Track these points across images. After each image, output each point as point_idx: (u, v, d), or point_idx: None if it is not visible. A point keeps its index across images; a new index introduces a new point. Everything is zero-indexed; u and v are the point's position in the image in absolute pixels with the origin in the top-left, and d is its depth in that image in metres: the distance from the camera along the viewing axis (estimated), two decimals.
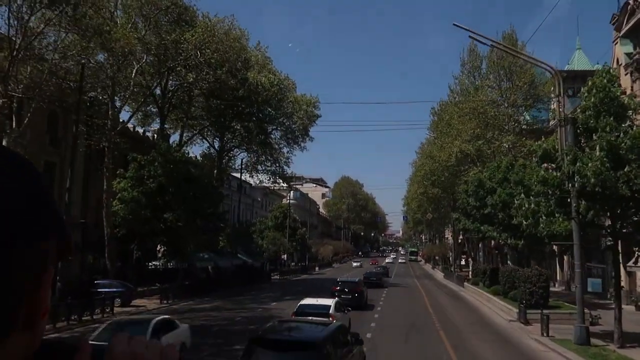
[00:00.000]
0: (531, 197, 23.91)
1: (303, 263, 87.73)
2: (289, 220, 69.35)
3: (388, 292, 42.88)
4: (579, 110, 21.30)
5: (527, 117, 42.68)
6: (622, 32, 33.89)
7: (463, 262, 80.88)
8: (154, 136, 42.49)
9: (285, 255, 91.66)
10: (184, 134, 46.02)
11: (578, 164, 20.06)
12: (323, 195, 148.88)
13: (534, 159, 40.14)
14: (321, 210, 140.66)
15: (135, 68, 34.90)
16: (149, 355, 0.79)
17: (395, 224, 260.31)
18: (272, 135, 51.82)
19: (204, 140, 52.13)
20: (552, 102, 43.67)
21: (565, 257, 46.79)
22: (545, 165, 24.05)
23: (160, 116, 40.49)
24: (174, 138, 50.60)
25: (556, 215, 22.37)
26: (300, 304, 20.17)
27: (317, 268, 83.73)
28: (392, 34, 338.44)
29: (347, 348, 12.00)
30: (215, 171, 50.38)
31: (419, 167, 58.95)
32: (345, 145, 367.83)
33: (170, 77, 37.94)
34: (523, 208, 23.93)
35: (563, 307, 29.07)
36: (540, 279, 28.28)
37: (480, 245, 53.61)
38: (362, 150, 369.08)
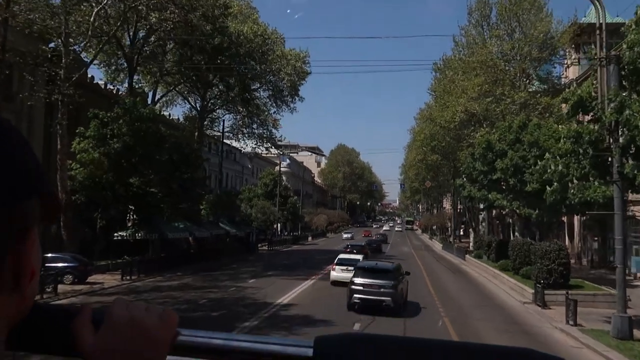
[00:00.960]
0: (557, 158, 19.46)
1: (295, 233, 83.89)
2: (279, 187, 64.98)
3: None
4: (625, 47, 16.70)
5: (540, 74, 37.96)
6: None
7: (461, 233, 77.01)
8: (122, 92, 37.72)
9: (279, 225, 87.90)
10: (158, 91, 41.26)
11: (626, 112, 15.54)
12: (318, 164, 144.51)
13: (551, 115, 35.76)
14: (316, 179, 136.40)
15: (95, 10, 29.99)
16: (148, 318, 0.78)
17: (392, 193, 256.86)
18: (257, 95, 47.11)
19: (185, 100, 47.40)
20: (568, 57, 38.98)
21: (576, 228, 42.69)
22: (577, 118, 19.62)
23: (129, 69, 35.65)
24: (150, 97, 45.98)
25: (591, 178, 17.95)
26: (338, 257, 28.16)
27: (310, 238, 79.78)
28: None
29: (402, 276, 21.47)
30: (196, 134, 45.79)
31: (418, 132, 54.37)
32: (342, 113, 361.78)
33: (139, 24, 32.93)
34: (549, 171, 19.52)
35: (585, 286, 24.92)
36: (560, 254, 24.03)
37: (483, 215, 49.42)
38: (359, 118, 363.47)
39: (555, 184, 19.91)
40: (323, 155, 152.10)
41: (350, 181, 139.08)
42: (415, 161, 71.79)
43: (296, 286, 25.43)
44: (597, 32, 17.73)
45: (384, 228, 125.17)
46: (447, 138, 49.95)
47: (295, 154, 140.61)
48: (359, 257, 28.65)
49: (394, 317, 18.38)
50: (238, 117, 49.51)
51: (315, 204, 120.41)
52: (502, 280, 29.45)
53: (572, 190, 18.40)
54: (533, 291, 23.55)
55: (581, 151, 18.00)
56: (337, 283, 25.30)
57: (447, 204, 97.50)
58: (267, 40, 39.17)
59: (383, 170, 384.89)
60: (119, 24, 29.44)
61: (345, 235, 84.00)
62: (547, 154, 20.65)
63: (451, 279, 32.00)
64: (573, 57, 41.64)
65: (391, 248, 62.64)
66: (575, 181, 18.02)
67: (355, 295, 19.38)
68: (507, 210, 50.71)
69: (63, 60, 27.97)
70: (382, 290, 19.23)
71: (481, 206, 62.49)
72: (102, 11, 31.18)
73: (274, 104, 48.43)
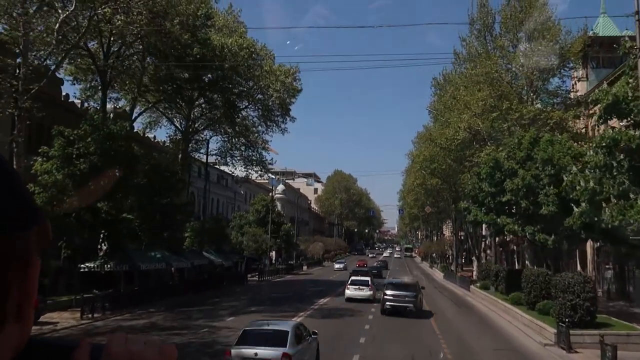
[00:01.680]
0: (587, 172, 16.16)
1: (290, 261, 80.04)
2: (271, 214, 61.47)
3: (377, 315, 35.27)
4: None
5: (549, 87, 34.94)
6: None
7: (462, 261, 73.27)
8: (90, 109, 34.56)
9: (273, 254, 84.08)
10: (138, 110, 38.14)
11: None
12: (315, 191, 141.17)
13: (565, 131, 32.58)
14: (313, 206, 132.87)
15: (61, 18, 27.06)
16: (147, 353, 0.77)
17: (391, 220, 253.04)
18: (245, 114, 44.09)
19: (169, 121, 44.31)
20: (576, 67, 36.06)
21: (589, 255, 39.22)
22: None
23: (102, 84, 32.57)
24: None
25: (632, 195, 14.63)
26: (351, 279, 33.60)
27: (305, 267, 75.97)
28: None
29: (420, 289, 28.77)
30: (179, 156, 42.58)
31: (417, 154, 51.25)
32: (338, 138, 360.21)
33: (108, 32, 29.91)
34: (577, 188, 16.19)
35: (614, 324, 21.41)
36: (585, 287, 20.52)
37: (487, 241, 45.97)
38: (355, 143, 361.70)
39: (583, 204, 16.60)
40: (320, 181, 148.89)
41: (348, 208, 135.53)
42: (414, 185, 68.60)
43: None
44: (635, 16, 14.56)
45: (384, 254, 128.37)
46: (448, 160, 46.79)
47: (292, 181, 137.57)
48: (367, 278, 34.14)
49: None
50: (225, 138, 46.40)
51: (312, 232, 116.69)
52: (514, 316, 25.85)
53: (607, 212, 15.03)
54: (555, 331, 20.04)
55: (615, 164, 14.77)
56: (351, 300, 31.49)
57: (447, 231, 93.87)
58: (253, 55, 36.20)
59: (381, 196, 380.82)
60: (83, 30, 26.27)
61: (337, 266, 72.34)
62: (573, 168, 17.30)
63: (457, 314, 28.38)
64: (580, 72, 38.83)
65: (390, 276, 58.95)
66: (612, 200, 14.66)
67: (387, 303, 26.71)
68: (510, 236, 47.42)
69: (18, 71, 24.85)
70: (406, 299, 26.62)
71: (484, 232, 59.11)
72: (73, 22, 28.35)
73: (264, 124, 45.39)
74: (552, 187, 25.52)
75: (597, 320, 21.05)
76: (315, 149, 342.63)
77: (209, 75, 35.46)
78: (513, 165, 27.47)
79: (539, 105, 32.57)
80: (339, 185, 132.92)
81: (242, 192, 77.83)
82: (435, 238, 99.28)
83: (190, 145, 46.01)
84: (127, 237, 31.38)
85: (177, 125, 44.36)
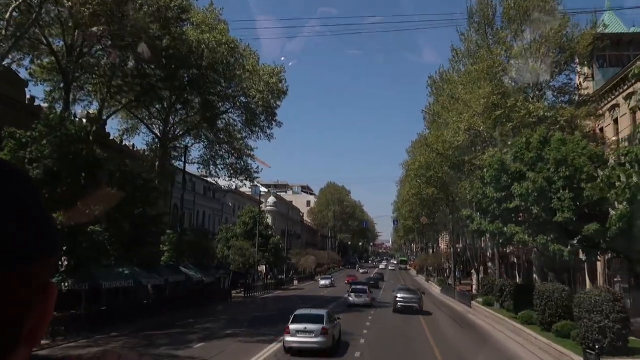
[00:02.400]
0: (628, 165, 12.97)
1: (281, 276, 76.42)
2: (258, 226, 57.97)
3: (374, 316, 31.86)
4: None
5: (555, 85, 31.84)
6: None
7: (458, 275, 69.76)
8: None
9: (264, 268, 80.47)
10: (111, 114, 34.83)
11: None
12: (308, 203, 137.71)
13: (577, 129, 29.49)
14: (306, 218, 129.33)
15: (13, 6, 23.95)
16: None
17: (386, 233, 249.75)
18: (226, 118, 40.92)
19: (146, 127, 41.02)
20: (581, 64, 33.10)
21: (600, 268, 36.04)
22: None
23: (65, 84, 29.29)
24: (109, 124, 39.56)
25: None
26: (353, 287, 41.28)
27: (296, 282, 72.37)
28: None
29: (421, 294, 38.05)
30: (157, 163, 39.25)
31: (412, 162, 48.17)
32: (332, 151, 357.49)
33: (70, 20, 26.66)
34: (618, 185, 12.99)
35: None
36: (615, 306, 17.24)
37: (489, 253, 42.69)
38: (350, 155, 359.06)
39: (622, 206, 13.37)
40: (313, 194, 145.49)
41: (341, 220, 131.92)
42: (409, 196, 65.38)
43: (253, 355, 18.43)
44: None
45: (380, 267, 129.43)
46: (445, 167, 43.62)
47: (284, 193, 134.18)
48: (365, 287, 41.50)
49: None
50: (207, 145, 43.12)
51: (305, 245, 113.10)
52: (527, 339, 22.48)
53: None
54: (582, 359, 16.69)
55: None
56: (353, 306, 36.37)
57: (442, 243, 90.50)
58: (235, 53, 33.00)
59: (375, 209, 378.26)
60: (34, 15, 23.06)
61: (322, 283, 62.90)
62: (610, 160, 14.09)
63: (461, 336, 24.91)
64: (586, 71, 35.89)
65: (385, 291, 55.36)
66: None
67: (399, 303, 34.75)
68: (510, 248, 44.13)
69: None
70: (412, 300, 35.07)
71: (484, 243, 55.80)
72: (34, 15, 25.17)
73: (248, 130, 42.19)
74: (567, 191, 22.35)
75: (629, 345, 17.77)
76: (309, 162, 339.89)
77: (185, 75, 32.14)
78: (521, 168, 24.27)
79: (546, 103, 29.58)
80: (332, 197, 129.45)
81: (230, 204, 74.43)
82: (431, 251, 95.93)
83: (171, 153, 42.85)
84: (92, 252, 27.87)
85: (156, 132, 41.12)
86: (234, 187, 50.49)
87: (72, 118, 28.02)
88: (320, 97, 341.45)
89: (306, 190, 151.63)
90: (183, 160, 38.64)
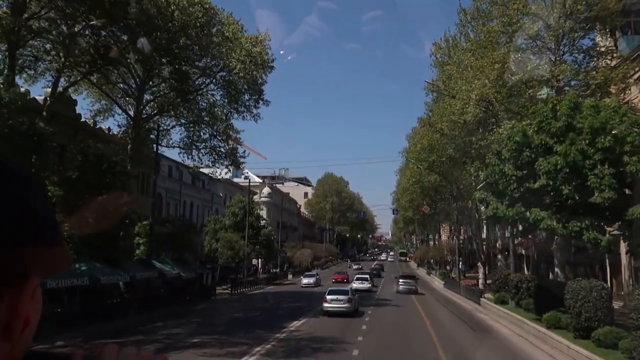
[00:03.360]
0: None
1: (275, 270, 72.26)
2: (248, 217, 53.67)
3: (371, 317, 27.68)
4: None
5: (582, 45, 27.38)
6: None
7: (459, 267, 65.48)
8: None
9: (259, 262, 76.34)
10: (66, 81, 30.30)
11: None
12: (306, 195, 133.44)
13: (611, 94, 25.16)
14: (303, 210, 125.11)
15: None
16: None
17: (385, 226, 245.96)
18: (207, 97, 36.66)
19: (118, 105, 36.69)
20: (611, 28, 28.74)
21: (624, 260, 31.91)
22: None
23: (9, 51, 24.87)
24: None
25: None
26: (356, 276, 48.15)
27: (290, 276, 68.16)
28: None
29: (417, 280, 50.20)
30: (129, 146, 34.96)
31: (413, 146, 43.88)
32: (331, 143, 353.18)
33: None
34: None
35: None
36: None
37: (499, 244, 38.43)
38: (349, 148, 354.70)
39: None
40: (310, 185, 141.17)
41: (339, 212, 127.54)
42: (409, 184, 61.14)
43: None
44: None
45: (381, 258, 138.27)
46: (449, 150, 39.33)
47: (281, 185, 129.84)
48: (367, 276, 49.44)
49: None
50: (187, 125, 38.76)
51: (302, 238, 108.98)
52: (557, 347, 18.24)
53: None
54: None
55: None
56: (357, 291, 35.42)
57: (444, 235, 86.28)
58: (208, 13, 28.54)
59: (374, 201, 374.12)
60: None
61: (305, 281, 51.96)
62: None
63: (476, 345, 20.62)
64: (608, 41, 31.52)
65: (384, 286, 51.28)
66: None
67: (400, 287, 44.78)
68: (519, 238, 39.91)
69: None
70: (410, 284, 45.13)
71: (489, 233, 51.56)
72: None
73: (232, 109, 37.87)
74: (607, 166, 18.09)
75: None
76: (307, 155, 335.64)
77: (155, 39, 27.65)
78: (547, 140, 19.97)
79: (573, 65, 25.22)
80: (330, 188, 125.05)
81: (221, 195, 70.08)
82: (432, 243, 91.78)
83: (149, 136, 38.63)
84: None
85: (131, 112, 36.74)
86: (220, 175, 45.84)
87: (15, 88, 23.64)
88: (318, 91, 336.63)
89: (304, 182, 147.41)
90: (156, 141, 34.19)
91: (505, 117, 25.72)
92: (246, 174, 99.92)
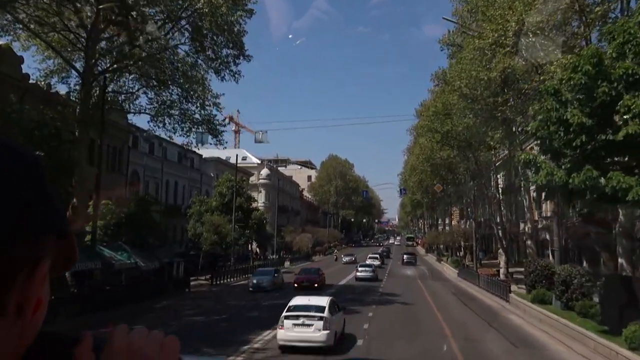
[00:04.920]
0: None
1: (273, 256, 65.80)
2: (235, 198, 46.96)
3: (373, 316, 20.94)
4: None
5: None
6: None
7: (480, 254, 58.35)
8: None
9: (257, 248, 69.84)
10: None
11: None
12: (309, 178, 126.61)
13: None
14: (306, 194, 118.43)
15: None
16: (148, 346, 0.77)
17: (392, 211, 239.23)
18: (173, 55, 29.89)
19: (66, 61, 29.85)
20: None
21: None
22: None
23: None
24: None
25: None
26: (360, 264, 46.05)
27: (287, 263, 61.49)
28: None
29: (416, 255, 71.12)
30: (77, 109, 28.33)
31: (424, 110, 36.80)
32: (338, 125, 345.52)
33: None
34: None
35: None
36: None
37: (527, 228, 31.44)
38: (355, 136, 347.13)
39: None
40: (314, 168, 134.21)
41: (344, 196, 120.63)
42: (418, 162, 54.15)
43: None
44: None
45: (389, 242, 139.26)
46: (469, 116, 32.33)
47: (284, 168, 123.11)
48: (377, 262, 54.95)
49: None
50: (154, 88, 32.04)
51: (304, 222, 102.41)
52: None
53: None
54: None
55: None
56: (360, 279, 39.67)
57: (454, 219, 79.10)
58: None
59: (381, 189, 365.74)
60: None
61: (255, 280, 34.41)
62: None
63: None
64: None
65: (391, 275, 44.67)
66: None
67: (404, 259, 61.63)
68: (540, 220, 32.76)
69: None
70: (412, 258, 63.25)
71: (514, 214, 44.58)
72: None
73: (210, 69, 31.10)
74: None
75: None
76: (313, 139, 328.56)
77: None
78: (635, 68, 12.98)
79: None
80: (334, 170, 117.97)
81: (212, 175, 63.30)
82: (441, 228, 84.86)
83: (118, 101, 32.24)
84: None
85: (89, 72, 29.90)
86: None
87: None
88: (328, 74, 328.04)
89: (308, 165, 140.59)
90: (101, 97, 27.40)
91: (556, 52, 18.56)
92: (244, 155, 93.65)
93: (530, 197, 33.03)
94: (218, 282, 37.74)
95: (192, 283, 36.88)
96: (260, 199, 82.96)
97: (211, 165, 63.22)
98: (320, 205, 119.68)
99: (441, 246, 75.34)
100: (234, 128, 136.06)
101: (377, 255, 60.98)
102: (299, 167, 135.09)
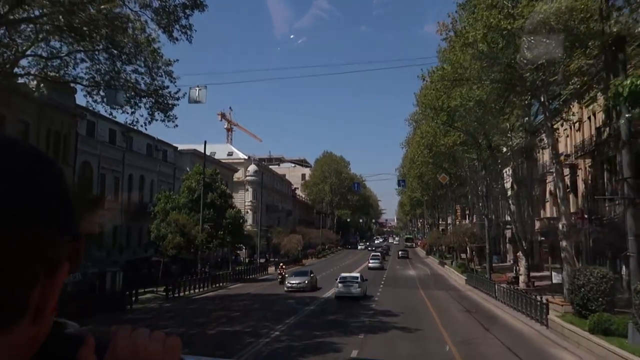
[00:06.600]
0: None
1: (261, 260, 58.44)
2: (202, 193, 39.55)
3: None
4: None
5: None
6: None
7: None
8: None
9: (245, 251, 62.46)
10: None
11: None
12: (303, 177, 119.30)
13: None
14: (300, 193, 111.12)
15: None
16: (151, 346, 0.77)
17: (390, 211, 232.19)
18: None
19: None
20: None
21: None
22: None
23: None
24: None
25: None
26: (372, 254, 62.62)
27: (272, 269, 53.92)
28: None
29: (409, 252, 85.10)
30: None
31: (432, 71, 29.46)
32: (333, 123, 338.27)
33: None
34: None
35: None
36: None
37: (563, 226, 24.07)
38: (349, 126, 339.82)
39: None
40: (309, 166, 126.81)
41: (339, 195, 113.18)
42: (420, 150, 46.88)
43: None
44: None
45: (389, 241, 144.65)
46: (487, 81, 25.05)
47: (277, 167, 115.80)
48: (379, 254, 63.33)
49: None
50: (88, 52, 24.94)
51: (297, 222, 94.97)
52: None
53: None
54: None
55: None
56: (372, 268, 50.35)
57: (457, 218, 71.57)
58: None
59: (378, 186, 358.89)
60: None
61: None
62: None
63: None
64: None
65: (387, 283, 37.40)
66: None
67: (399, 254, 76.60)
68: (563, 221, 25.38)
69: None
70: (406, 254, 77.82)
71: (529, 210, 37.07)
72: None
73: (155, 23, 23.96)
74: None
75: None
76: (309, 136, 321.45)
77: None
78: None
79: None
80: (329, 168, 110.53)
81: (188, 170, 55.80)
82: (445, 227, 77.54)
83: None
84: None
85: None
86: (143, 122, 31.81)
87: None
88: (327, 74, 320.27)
89: (302, 163, 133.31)
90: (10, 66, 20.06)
91: None
92: (230, 150, 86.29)
93: (565, 186, 25.70)
94: (176, 295, 30.35)
95: (145, 296, 29.65)
96: (247, 198, 75.65)
97: (187, 159, 55.81)
98: (315, 204, 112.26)
99: (443, 247, 68.02)
100: (226, 126, 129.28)
101: (379, 254, 64.16)
102: (293, 165, 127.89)
